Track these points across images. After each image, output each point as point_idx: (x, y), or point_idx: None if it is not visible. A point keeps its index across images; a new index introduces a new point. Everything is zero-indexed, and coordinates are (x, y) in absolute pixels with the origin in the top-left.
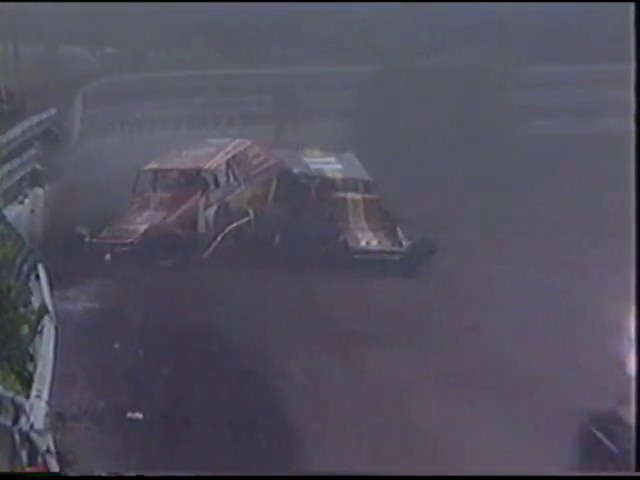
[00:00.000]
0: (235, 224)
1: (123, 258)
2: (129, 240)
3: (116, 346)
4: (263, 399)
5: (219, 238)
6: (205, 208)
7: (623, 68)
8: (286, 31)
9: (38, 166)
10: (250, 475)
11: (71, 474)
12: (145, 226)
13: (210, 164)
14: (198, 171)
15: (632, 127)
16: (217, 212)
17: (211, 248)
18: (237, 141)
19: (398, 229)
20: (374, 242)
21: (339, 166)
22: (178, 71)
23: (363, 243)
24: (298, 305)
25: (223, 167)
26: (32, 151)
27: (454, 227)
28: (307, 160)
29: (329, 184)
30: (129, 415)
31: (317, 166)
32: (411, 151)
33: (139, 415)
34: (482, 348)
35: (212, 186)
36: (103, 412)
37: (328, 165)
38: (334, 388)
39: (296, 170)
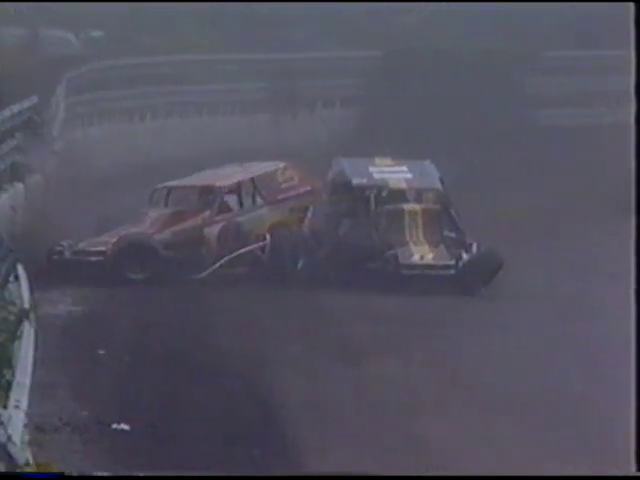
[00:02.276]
0: (246, 249)
1: (94, 269)
2: (101, 249)
3: (101, 352)
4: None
5: (222, 261)
6: (208, 225)
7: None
8: (286, 13)
9: (18, 158)
10: (250, 475)
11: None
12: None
13: (226, 182)
14: (211, 188)
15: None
16: (222, 232)
17: (209, 270)
18: (268, 163)
19: (473, 244)
20: (429, 256)
21: (409, 175)
22: (169, 56)
23: (416, 257)
24: (296, 315)
25: (242, 186)
26: (12, 142)
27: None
28: (372, 169)
29: (389, 195)
30: (114, 426)
31: (382, 175)
32: (418, 143)
33: (125, 426)
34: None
35: (224, 205)
36: (86, 423)
37: (395, 174)
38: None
39: (355, 180)
